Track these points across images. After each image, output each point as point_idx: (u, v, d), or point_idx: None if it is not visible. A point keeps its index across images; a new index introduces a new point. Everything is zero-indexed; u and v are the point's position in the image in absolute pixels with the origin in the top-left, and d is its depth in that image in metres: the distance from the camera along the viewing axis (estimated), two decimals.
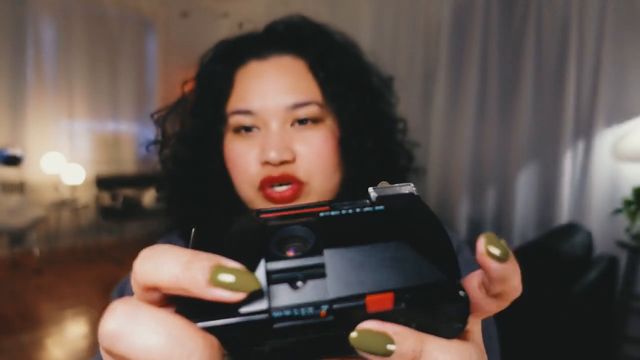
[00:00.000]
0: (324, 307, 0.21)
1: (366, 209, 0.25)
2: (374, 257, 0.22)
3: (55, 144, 4.35)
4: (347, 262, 0.22)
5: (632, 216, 2.11)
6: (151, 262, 0.22)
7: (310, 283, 0.22)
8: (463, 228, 2.98)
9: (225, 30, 0.73)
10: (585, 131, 2.45)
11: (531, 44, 2.66)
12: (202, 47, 0.71)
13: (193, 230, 0.26)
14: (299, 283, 0.22)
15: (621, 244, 2.13)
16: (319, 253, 0.22)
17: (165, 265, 0.22)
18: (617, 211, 2.21)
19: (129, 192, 4.56)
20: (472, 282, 0.25)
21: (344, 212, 0.25)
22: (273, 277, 0.22)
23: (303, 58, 0.65)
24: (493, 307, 0.26)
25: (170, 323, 0.20)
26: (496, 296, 0.25)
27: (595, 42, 2.40)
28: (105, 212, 4.47)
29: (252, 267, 0.22)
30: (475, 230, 2.97)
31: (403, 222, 0.24)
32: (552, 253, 1.77)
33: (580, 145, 2.49)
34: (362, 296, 0.21)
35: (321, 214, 0.25)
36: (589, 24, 2.41)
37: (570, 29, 2.48)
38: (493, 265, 0.23)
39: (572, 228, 2.09)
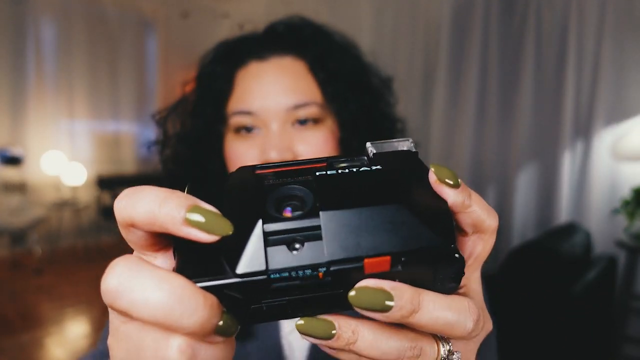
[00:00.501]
0: (322, 269, 0.22)
1: (363, 168, 0.25)
2: (371, 220, 0.22)
3: (56, 144, 4.36)
4: (344, 225, 0.22)
5: (631, 216, 2.11)
6: (129, 198, 0.22)
7: (308, 245, 0.22)
8: None
9: (226, 30, 0.73)
10: (585, 131, 2.46)
11: (531, 44, 2.66)
12: (203, 47, 0.71)
13: (187, 186, 0.26)
14: (297, 245, 0.22)
15: (620, 244, 2.13)
16: (316, 215, 0.22)
17: (143, 201, 0.22)
18: (616, 211, 2.21)
19: None
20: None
21: (340, 171, 0.24)
22: (270, 239, 0.22)
23: (303, 59, 0.65)
24: (478, 245, 0.27)
25: (172, 281, 0.20)
26: (474, 231, 0.26)
27: (595, 42, 2.40)
28: (106, 212, 4.47)
29: (249, 228, 0.22)
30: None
31: (400, 184, 0.24)
32: (552, 253, 1.77)
33: (580, 145, 2.49)
34: (359, 259, 0.22)
35: (317, 173, 0.24)
36: (589, 24, 2.41)
37: (569, 29, 2.48)
38: (448, 191, 0.24)
39: (571, 228, 2.09)
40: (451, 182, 0.24)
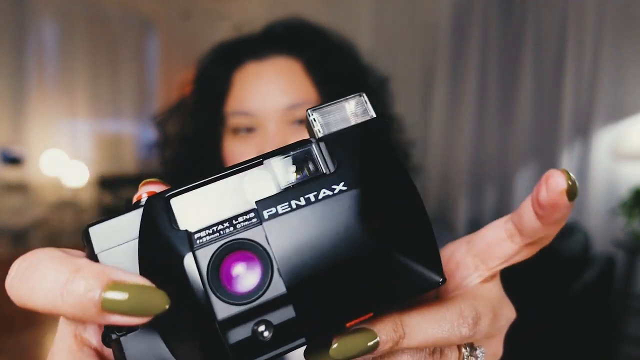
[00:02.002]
0: (300, 346, 0.19)
1: (323, 192, 0.19)
2: (346, 278, 0.18)
3: (57, 144, 4.37)
4: (317, 294, 0.18)
5: (630, 216, 2.12)
6: (23, 280, 0.18)
7: (279, 327, 0.18)
8: (462, 227, 2.99)
9: (226, 31, 0.74)
10: (584, 130, 2.46)
11: (530, 43, 2.67)
12: (203, 48, 0.72)
13: (88, 231, 0.21)
14: (265, 332, 0.18)
15: (619, 244, 2.13)
16: (281, 288, 0.18)
17: (39, 287, 0.17)
18: (615, 211, 2.21)
19: (130, 192, 4.56)
20: (498, 231, 0.25)
21: (294, 204, 0.18)
22: (229, 333, 0.17)
23: (300, 59, 0.66)
24: (523, 255, 0.26)
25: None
26: (532, 244, 0.25)
27: (594, 42, 2.40)
28: (107, 212, 4.47)
29: (198, 321, 0.17)
30: (475, 229, 2.96)
31: (372, 217, 0.19)
32: (550, 252, 1.78)
33: (579, 145, 2.49)
34: (339, 326, 0.19)
35: (266, 213, 0.18)
36: (588, 23, 2.41)
37: (568, 28, 2.48)
38: (564, 201, 0.21)
39: (570, 227, 2.10)
40: (573, 193, 0.21)
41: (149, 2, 4.70)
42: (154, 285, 0.17)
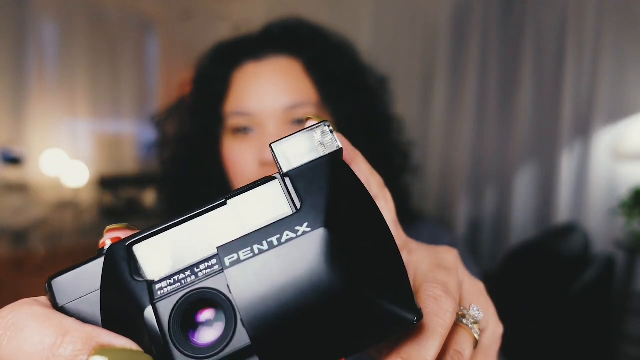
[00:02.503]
0: None
1: (286, 234, 0.18)
2: (314, 325, 0.17)
3: (57, 143, 4.37)
4: (284, 344, 0.17)
5: (629, 216, 2.12)
6: (5, 342, 0.17)
7: None
8: (462, 227, 2.99)
9: (226, 31, 0.74)
10: (584, 130, 2.46)
11: (530, 43, 2.67)
12: (203, 48, 0.72)
13: (50, 284, 0.20)
14: None
15: (618, 244, 2.13)
16: (245, 341, 0.17)
17: (25, 349, 0.16)
18: (614, 211, 2.21)
19: (130, 191, 4.57)
20: None
21: (258, 249, 0.18)
22: None
23: (299, 59, 0.66)
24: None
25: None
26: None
27: (594, 41, 2.40)
28: (108, 212, 4.48)
29: None
30: (475, 229, 2.98)
31: (338, 258, 0.18)
32: (550, 252, 1.78)
33: (579, 145, 2.49)
34: None
35: (228, 260, 0.18)
36: (587, 23, 2.41)
37: (568, 28, 2.48)
38: None
39: (570, 227, 2.10)
40: None
41: (149, 2, 4.70)
42: (141, 350, 0.17)
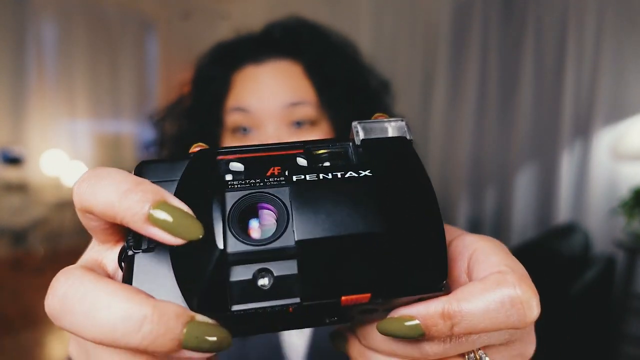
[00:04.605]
0: (293, 306, 0.19)
1: (349, 173, 0.20)
2: (352, 250, 0.19)
3: (57, 143, 4.37)
4: (322, 255, 0.19)
5: (630, 216, 2.12)
6: (90, 184, 0.20)
7: (278, 279, 0.19)
8: (462, 227, 2.98)
9: (226, 31, 0.74)
10: (584, 130, 2.46)
11: (530, 43, 2.67)
12: (203, 48, 0.71)
13: (139, 165, 0.23)
14: (265, 279, 0.19)
15: (619, 244, 2.13)
16: (290, 242, 0.19)
17: (104, 189, 0.19)
18: (615, 211, 2.21)
19: None
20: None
21: (322, 175, 0.20)
22: (233, 269, 0.19)
23: (299, 62, 0.65)
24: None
25: (118, 299, 0.18)
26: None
27: (594, 41, 2.40)
28: None
29: (208, 251, 0.19)
30: (475, 229, 2.98)
31: (388, 198, 0.20)
32: (551, 252, 1.78)
33: (579, 145, 2.49)
34: (335, 297, 0.19)
35: (295, 178, 0.20)
36: (588, 23, 2.41)
37: (568, 28, 2.48)
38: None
39: (570, 227, 2.10)
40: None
41: (149, 2, 4.70)
42: (194, 215, 0.19)
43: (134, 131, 4.93)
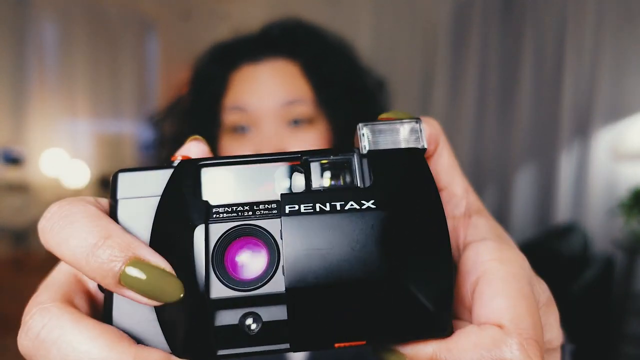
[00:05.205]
0: (283, 352, 0.18)
1: (351, 204, 0.18)
2: (349, 298, 0.17)
3: (57, 144, 4.37)
4: (315, 304, 0.17)
5: (629, 216, 2.12)
6: (56, 230, 0.18)
7: (267, 325, 0.17)
8: None
9: (226, 32, 0.74)
10: (583, 130, 2.46)
11: (529, 43, 2.67)
12: (203, 48, 0.72)
13: (117, 175, 0.21)
14: (253, 325, 0.17)
15: (618, 244, 2.13)
16: (279, 286, 0.17)
17: (70, 242, 0.17)
18: (614, 211, 2.21)
19: None
20: None
21: (318, 207, 0.18)
22: (218, 314, 0.17)
23: (297, 61, 0.66)
24: None
25: (96, 344, 0.17)
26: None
27: (593, 41, 2.40)
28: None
29: (191, 294, 0.17)
30: None
31: (393, 245, 0.18)
32: (550, 252, 1.78)
33: (578, 145, 2.49)
34: (328, 345, 0.18)
35: (288, 208, 0.18)
36: (587, 23, 2.41)
37: (568, 28, 2.48)
38: None
39: (569, 227, 2.10)
40: None
41: (149, 2, 4.70)
42: (173, 273, 0.17)
43: (135, 131, 4.93)
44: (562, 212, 2.51)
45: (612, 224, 2.30)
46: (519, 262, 0.22)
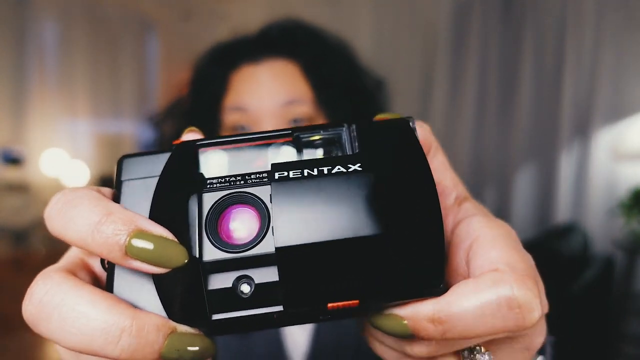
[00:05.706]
0: (276, 313, 0.18)
1: (337, 168, 0.18)
2: (339, 256, 0.17)
3: (57, 144, 4.37)
4: (305, 264, 0.17)
5: (629, 216, 2.12)
6: (60, 215, 0.19)
7: (259, 287, 0.18)
8: None
9: (226, 32, 0.74)
10: (583, 130, 2.46)
11: (529, 43, 2.67)
12: (203, 49, 0.72)
13: (122, 160, 0.22)
14: (245, 288, 0.18)
15: (618, 244, 2.13)
16: (270, 248, 0.18)
17: (74, 222, 0.18)
18: (614, 212, 2.21)
19: None
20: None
21: (306, 172, 0.18)
22: (211, 277, 0.18)
23: (296, 61, 0.66)
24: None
25: (96, 307, 0.17)
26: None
27: (593, 41, 2.41)
28: None
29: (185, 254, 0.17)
30: None
31: (381, 196, 0.18)
32: (550, 252, 1.78)
33: (578, 145, 2.49)
34: (320, 304, 0.18)
35: (277, 175, 0.18)
36: (587, 23, 2.41)
37: (567, 28, 2.48)
38: None
39: (569, 227, 2.10)
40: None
41: (149, 2, 4.70)
42: (176, 240, 0.18)
43: (135, 131, 4.93)
44: (562, 212, 2.51)
45: (612, 224, 2.30)
46: (508, 229, 0.23)
